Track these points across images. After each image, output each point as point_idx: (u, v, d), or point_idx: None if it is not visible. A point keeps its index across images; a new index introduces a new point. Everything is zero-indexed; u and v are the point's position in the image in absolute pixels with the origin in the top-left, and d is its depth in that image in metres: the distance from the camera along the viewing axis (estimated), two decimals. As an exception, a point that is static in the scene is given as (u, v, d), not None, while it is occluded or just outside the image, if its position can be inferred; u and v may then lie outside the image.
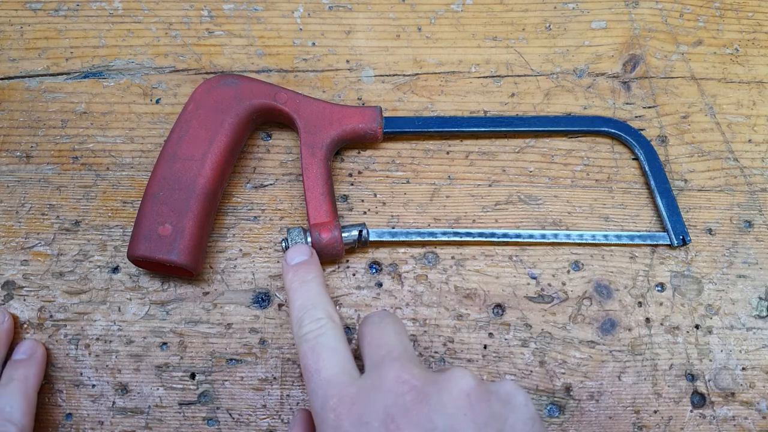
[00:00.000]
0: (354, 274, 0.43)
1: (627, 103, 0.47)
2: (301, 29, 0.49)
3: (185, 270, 0.41)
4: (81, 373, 0.41)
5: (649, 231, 0.44)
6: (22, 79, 0.47)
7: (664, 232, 0.43)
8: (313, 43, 0.48)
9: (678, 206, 0.44)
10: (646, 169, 0.44)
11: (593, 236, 0.43)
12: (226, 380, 0.41)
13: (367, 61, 0.48)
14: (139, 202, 0.44)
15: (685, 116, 0.47)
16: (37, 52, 0.48)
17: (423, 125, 0.44)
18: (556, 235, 0.43)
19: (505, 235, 0.43)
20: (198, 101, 0.42)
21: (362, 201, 0.44)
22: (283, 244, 0.40)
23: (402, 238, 0.42)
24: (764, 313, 0.43)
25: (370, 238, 0.42)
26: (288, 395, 0.41)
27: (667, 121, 0.47)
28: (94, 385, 0.41)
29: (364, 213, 0.44)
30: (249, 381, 0.41)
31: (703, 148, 0.46)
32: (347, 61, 0.48)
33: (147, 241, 0.39)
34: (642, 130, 0.47)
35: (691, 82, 0.48)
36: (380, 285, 0.43)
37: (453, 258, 0.43)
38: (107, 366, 0.41)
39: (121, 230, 0.44)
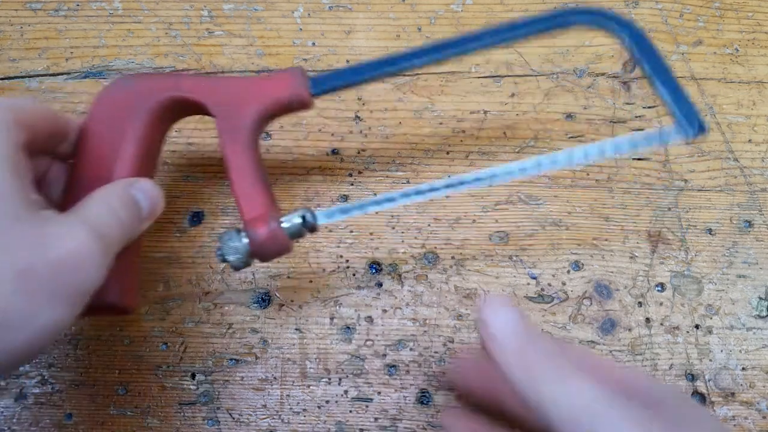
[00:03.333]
0: (354, 274, 0.43)
1: (627, 103, 0.47)
2: (301, 29, 0.49)
3: (121, 310, 0.35)
4: (81, 373, 0.41)
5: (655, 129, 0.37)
6: (22, 79, 0.47)
7: (674, 125, 0.35)
8: (313, 43, 0.48)
9: (682, 89, 0.35)
10: (637, 54, 0.36)
11: (585, 154, 0.35)
12: (227, 380, 0.41)
13: (367, 61, 0.48)
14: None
15: (685, 116, 0.47)
16: (37, 52, 0.48)
17: (356, 74, 0.37)
18: (553, 162, 0.35)
19: (477, 180, 0.36)
20: (93, 116, 0.36)
21: (320, 223, 0.44)
22: (218, 255, 0.35)
23: (356, 213, 0.37)
24: (764, 313, 0.43)
25: (319, 221, 0.36)
26: (288, 395, 0.41)
27: (667, 121, 0.47)
28: (94, 385, 0.41)
29: (364, 213, 0.44)
30: (249, 381, 0.41)
31: (703, 148, 0.46)
32: (347, 61, 0.48)
33: None
34: (642, 130, 0.47)
35: (691, 82, 0.48)
36: (380, 285, 0.43)
37: (453, 258, 0.43)
38: (107, 366, 0.41)
39: (121, 230, 0.44)
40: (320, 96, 0.37)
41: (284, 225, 0.34)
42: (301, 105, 0.37)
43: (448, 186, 0.36)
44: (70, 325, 0.29)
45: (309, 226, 0.35)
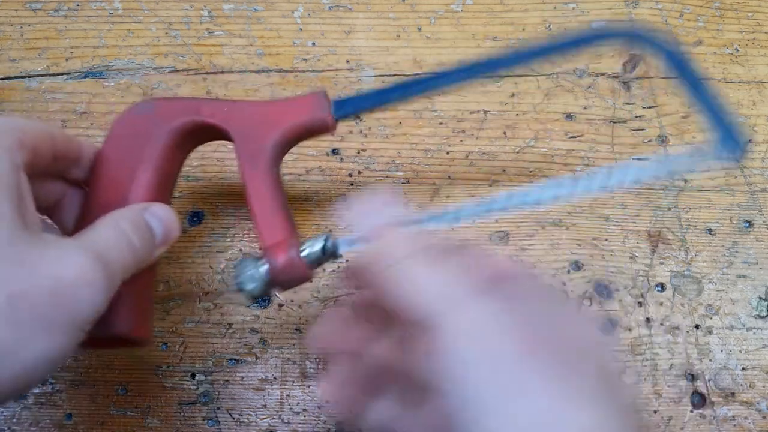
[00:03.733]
0: (354, 274, 0.43)
1: (627, 103, 0.47)
2: (301, 29, 0.49)
3: (134, 341, 0.34)
4: (81, 374, 0.41)
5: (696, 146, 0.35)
6: (22, 79, 0.47)
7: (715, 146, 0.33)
8: (313, 43, 0.48)
9: (722, 107, 0.33)
10: (675, 72, 0.34)
11: (624, 177, 0.31)
12: (227, 380, 0.41)
13: (367, 61, 0.48)
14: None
15: (685, 116, 0.47)
16: (37, 52, 0.48)
17: (380, 97, 0.36)
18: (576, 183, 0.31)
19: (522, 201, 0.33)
20: (111, 140, 0.35)
21: (340, 251, 0.44)
22: (236, 282, 0.33)
23: (374, 242, 0.33)
24: (764, 313, 0.43)
25: (340, 250, 0.33)
26: (288, 395, 0.41)
27: (667, 121, 0.47)
28: (94, 385, 0.41)
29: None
30: (249, 381, 0.41)
31: (704, 148, 0.46)
32: (347, 61, 0.48)
33: None
34: (641, 130, 0.47)
35: (691, 82, 0.48)
36: (380, 285, 0.43)
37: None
38: (107, 366, 0.41)
39: (121, 230, 0.44)
40: (343, 120, 0.36)
41: (304, 253, 0.33)
42: (324, 129, 0.36)
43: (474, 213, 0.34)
44: (68, 357, 0.27)
45: (329, 254, 0.33)
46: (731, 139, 0.32)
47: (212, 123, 0.36)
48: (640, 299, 0.43)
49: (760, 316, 0.43)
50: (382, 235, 0.29)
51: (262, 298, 0.42)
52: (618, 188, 0.33)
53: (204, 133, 0.37)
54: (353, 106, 0.36)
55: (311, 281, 0.34)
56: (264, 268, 0.32)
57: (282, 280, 0.33)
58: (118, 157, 0.35)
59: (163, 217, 0.32)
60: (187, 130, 0.36)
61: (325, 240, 0.33)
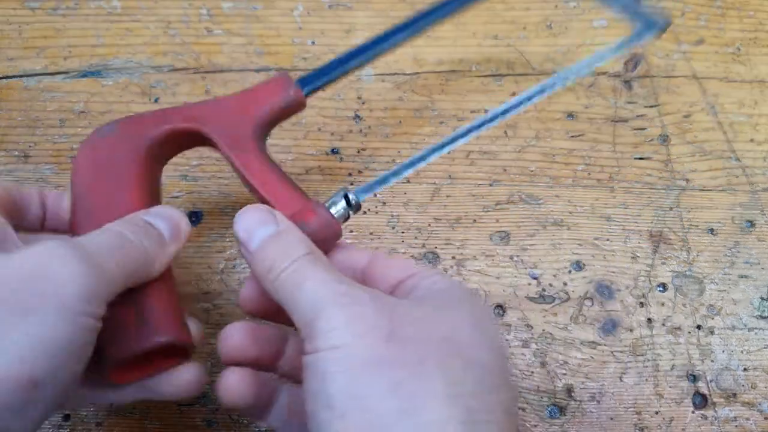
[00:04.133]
0: (354, 275, 0.43)
1: (629, 102, 0.47)
2: (300, 28, 0.48)
3: (175, 350, 0.32)
4: (79, 374, 0.41)
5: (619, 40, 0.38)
6: (20, 78, 0.47)
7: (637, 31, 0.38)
8: (313, 42, 0.48)
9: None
10: None
11: (566, 77, 0.39)
12: (226, 381, 0.41)
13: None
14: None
15: (686, 115, 0.47)
16: (36, 51, 0.48)
17: (344, 63, 0.38)
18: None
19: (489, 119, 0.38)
20: (82, 169, 0.34)
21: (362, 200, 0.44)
22: None
23: (393, 179, 0.36)
24: (766, 314, 0.43)
25: (361, 197, 0.34)
26: (287, 396, 0.41)
27: (669, 121, 0.47)
28: (92, 386, 0.41)
29: (364, 213, 0.44)
30: (248, 382, 0.41)
31: (705, 147, 0.46)
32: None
33: (116, 343, 0.30)
34: (643, 129, 0.46)
35: (693, 81, 0.48)
36: (380, 285, 0.43)
37: (453, 258, 0.43)
38: (106, 367, 0.41)
39: (120, 230, 0.43)
40: (312, 94, 0.37)
41: (332, 209, 0.33)
42: (297, 105, 0.37)
43: (472, 129, 0.37)
44: (77, 344, 0.26)
45: (354, 206, 0.34)
46: (650, 18, 0.38)
47: (186, 128, 0.35)
48: (642, 299, 0.42)
49: (761, 317, 0.43)
50: (267, 245, 0.29)
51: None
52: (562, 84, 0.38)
53: (180, 140, 0.36)
54: (316, 80, 0.37)
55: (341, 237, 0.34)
56: None
57: (318, 241, 0.31)
58: (94, 187, 0.33)
59: (166, 215, 0.32)
60: (159, 142, 0.35)
61: (345, 193, 0.33)
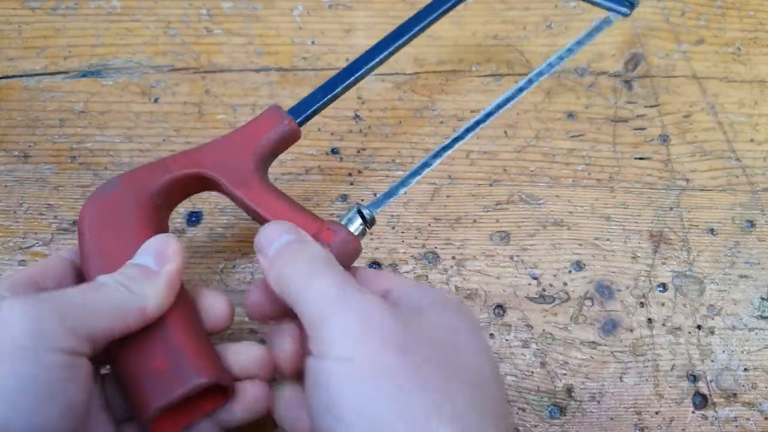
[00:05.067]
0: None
1: (629, 102, 0.47)
2: (300, 28, 0.48)
3: (217, 391, 0.31)
4: (79, 374, 0.41)
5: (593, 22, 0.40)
6: (20, 78, 0.47)
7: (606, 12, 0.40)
8: (313, 42, 0.48)
9: None
10: None
11: (549, 65, 0.40)
12: (225, 381, 0.41)
13: (367, 60, 0.48)
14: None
15: (687, 115, 0.47)
16: (35, 51, 0.48)
17: (330, 90, 0.39)
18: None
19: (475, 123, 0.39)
20: (88, 222, 0.34)
21: (362, 200, 0.44)
22: None
23: (401, 190, 0.37)
24: (766, 314, 0.43)
25: (375, 212, 0.35)
26: (287, 396, 0.41)
27: (669, 120, 0.47)
28: (92, 386, 0.41)
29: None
30: (248, 382, 0.41)
31: (705, 147, 0.46)
32: (347, 60, 0.47)
33: (153, 391, 0.29)
34: (643, 129, 0.46)
35: (693, 81, 0.48)
36: (380, 285, 0.43)
37: (453, 258, 0.43)
38: (106, 366, 0.41)
39: (120, 230, 0.43)
40: (305, 122, 0.38)
41: (351, 228, 0.34)
42: (293, 135, 0.37)
43: (478, 123, 0.38)
44: (57, 384, 0.27)
45: (369, 222, 0.35)
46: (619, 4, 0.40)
47: (188, 173, 0.35)
48: (642, 300, 0.42)
49: (762, 317, 0.43)
50: (286, 249, 0.30)
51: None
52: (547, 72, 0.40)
53: (182, 187, 0.36)
54: (307, 108, 0.38)
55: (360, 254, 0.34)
56: None
57: (339, 259, 0.32)
58: (99, 240, 0.33)
59: (147, 246, 0.32)
60: (162, 191, 0.35)
61: (359, 210, 0.34)
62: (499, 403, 0.27)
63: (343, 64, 0.47)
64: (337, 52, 0.48)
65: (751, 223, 0.44)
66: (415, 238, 0.44)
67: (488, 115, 0.39)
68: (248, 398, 0.32)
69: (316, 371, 0.26)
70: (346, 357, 0.26)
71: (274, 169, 0.45)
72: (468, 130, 0.38)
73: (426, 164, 0.37)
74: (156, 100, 0.46)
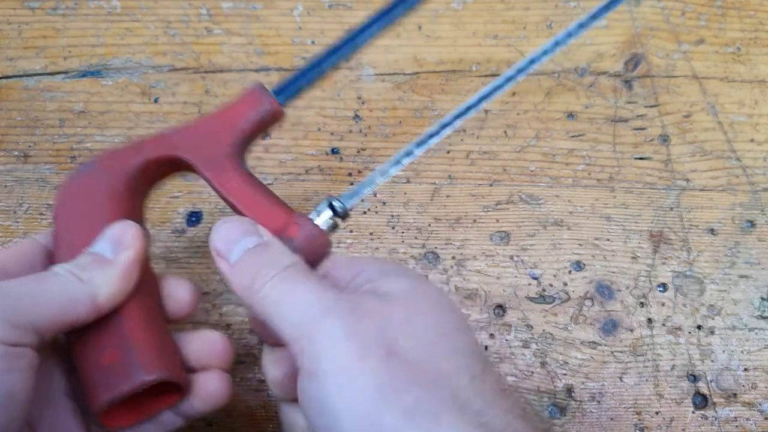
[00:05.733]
0: (354, 275, 0.43)
1: (629, 102, 0.47)
2: (300, 28, 0.48)
3: (173, 385, 0.30)
4: (79, 374, 0.41)
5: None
6: (20, 78, 0.47)
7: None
8: (313, 42, 0.48)
9: None
10: None
11: (555, 43, 0.38)
12: (225, 381, 0.41)
13: (367, 60, 0.48)
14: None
15: (687, 115, 0.47)
16: (35, 51, 0.48)
17: (312, 71, 0.37)
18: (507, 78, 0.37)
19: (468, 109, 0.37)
20: (63, 204, 0.33)
21: (362, 200, 0.44)
22: None
23: (380, 180, 0.35)
24: (766, 314, 0.43)
25: (348, 205, 0.33)
26: (287, 396, 0.41)
27: (669, 120, 0.47)
28: (92, 386, 0.41)
29: (364, 213, 0.44)
30: (248, 382, 0.41)
31: (705, 147, 0.46)
32: (347, 60, 0.47)
33: (101, 385, 0.28)
34: (643, 129, 0.46)
35: (693, 81, 0.48)
36: (380, 285, 0.43)
37: (453, 258, 0.43)
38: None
39: (120, 230, 0.43)
40: (288, 103, 0.36)
41: (317, 221, 0.32)
42: (275, 117, 0.36)
43: (458, 116, 0.36)
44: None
45: (341, 214, 0.33)
46: None
47: (163, 156, 0.34)
48: (642, 300, 0.42)
49: (762, 317, 0.43)
50: (249, 257, 0.28)
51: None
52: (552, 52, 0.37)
53: (157, 169, 0.35)
54: (292, 88, 0.36)
55: (331, 249, 0.33)
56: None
57: (305, 255, 0.31)
58: (73, 222, 0.32)
59: (106, 234, 0.30)
60: (138, 173, 0.34)
61: (330, 202, 0.33)
62: (493, 374, 0.26)
63: (343, 64, 0.47)
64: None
65: (751, 223, 0.44)
66: (415, 238, 0.44)
67: (483, 98, 0.37)
68: (206, 391, 0.31)
69: (311, 390, 0.25)
70: (338, 370, 0.25)
71: (275, 169, 0.45)
72: (459, 116, 0.37)
73: (408, 153, 0.35)
74: (156, 100, 0.46)
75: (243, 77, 0.47)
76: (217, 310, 0.42)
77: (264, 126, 0.36)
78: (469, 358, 0.26)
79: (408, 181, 0.45)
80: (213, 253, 0.29)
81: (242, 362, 0.41)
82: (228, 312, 0.42)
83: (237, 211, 0.33)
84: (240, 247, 0.28)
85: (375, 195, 0.44)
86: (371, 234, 0.44)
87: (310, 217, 0.32)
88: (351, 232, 0.44)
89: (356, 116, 0.46)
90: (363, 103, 0.47)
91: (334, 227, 0.33)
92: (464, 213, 0.44)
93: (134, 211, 0.34)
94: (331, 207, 0.32)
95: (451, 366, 0.25)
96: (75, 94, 0.47)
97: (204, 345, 0.31)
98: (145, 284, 0.31)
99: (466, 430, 0.23)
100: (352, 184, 0.45)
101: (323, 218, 0.32)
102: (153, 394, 0.30)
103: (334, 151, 0.46)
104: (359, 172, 0.45)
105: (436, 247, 0.43)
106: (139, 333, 0.29)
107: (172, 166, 0.35)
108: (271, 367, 0.31)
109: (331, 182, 0.45)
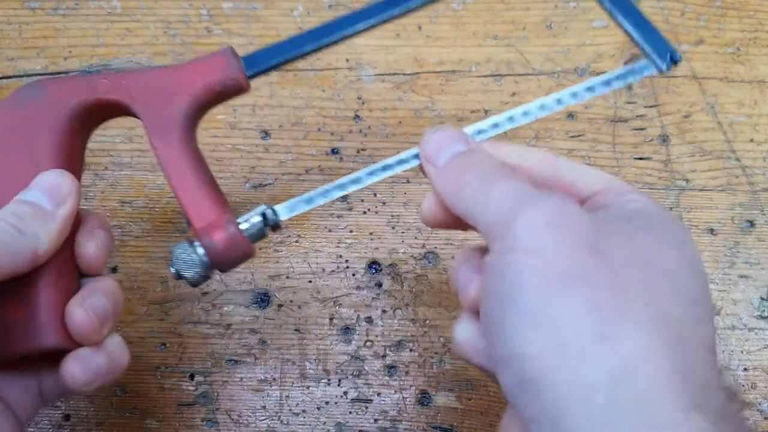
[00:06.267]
0: (354, 275, 0.43)
1: (628, 102, 0.47)
2: (300, 28, 0.48)
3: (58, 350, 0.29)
4: (79, 374, 0.41)
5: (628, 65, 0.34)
6: (20, 78, 0.47)
7: (644, 59, 0.33)
8: (313, 42, 0.48)
9: (648, 20, 0.33)
10: None
11: (559, 101, 0.33)
12: (225, 381, 0.41)
13: (367, 60, 0.48)
14: (139, 201, 0.44)
15: (686, 116, 0.47)
16: (36, 51, 0.48)
17: (294, 46, 0.33)
18: (511, 119, 0.32)
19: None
20: None
21: (362, 201, 0.44)
22: (173, 270, 0.31)
23: (321, 201, 0.32)
24: (766, 314, 0.43)
25: (281, 217, 0.32)
26: (287, 396, 0.41)
27: (669, 121, 0.47)
28: (92, 386, 0.41)
29: (364, 213, 0.44)
30: (248, 382, 0.41)
31: (705, 147, 0.46)
32: (347, 60, 0.48)
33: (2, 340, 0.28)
34: (643, 129, 0.46)
35: (693, 81, 0.48)
36: (380, 285, 0.43)
37: (453, 258, 0.43)
38: (106, 367, 0.41)
39: (120, 230, 0.43)
40: (256, 77, 0.33)
41: (243, 227, 0.31)
42: (237, 89, 0.33)
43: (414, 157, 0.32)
44: None
45: (271, 224, 0.32)
46: (662, 51, 0.33)
47: (112, 99, 0.32)
48: (642, 299, 0.42)
49: (761, 317, 0.43)
50: (457, 159, 0.29)
51: (261, 298, 0.42)
52: (553, 109, 0.33)
53: (104, 111, 0.33)
54: (266, 60, 0.33)
55: (254, 257, 0.32)
56: (201, 251, 0.30)
57: (223, 261, 0.30)
58: (7, 156, 0.30)
59: (40, 183, 0.29)
60: (85, 110, 0.32)
61: (264, 209, 0.31)
62: (708, 328, 0.24)
63: (343, 64, 0.48)
64: (337, 53, 0.48)
65: (751, 223, 0.45)
66: (415, 238, 0.44)
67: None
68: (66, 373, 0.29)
69: (498, 266, 0.25)
70: (532, 249, 0.24)
71: (275, 169, 0.45)
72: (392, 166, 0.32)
73: (356, 180, 0.32)
74: (156, 100, 0.46)
75: (243, 77, 0.47)
76: (217, 311, 0.42)
77: (223, 96, 0.33)
78: (698, 306, 0.24)
79: (408, 181, 0.45)
80: (422, 158, 0.30)
81: (242, 362, 0.41)
82: (228, 312, 0.42)
83: (171, 188, 0.31)
84: (448, 152, 0.29)
85: (375, 195, 0.44)
86: (371, 234, 0.44)
87: (239, 221, 0.31)
88: (351, 232, 0.44)
89: (356, 116, 0.46)
90: (363, 103, 0.47)
91: (261, 236, 0.31)
92: (464, 213, 0.44)
93: (76, 154, 0.32)
94: (263, 216, 0.31)
95: (664, 297, 0.23)
96: (75, 94, 0.47)
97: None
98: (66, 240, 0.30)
99: (654, 352, 0.22)
100: (352, 184, 0.45)
101: (250, 225, 0.31)
102: (50, 358, 0.29)
103: (334, 151, 0.46)
104: (359, 172, 0.45)
105: (436, 247, 0.43)
106: (49, 296, 0.28)
107: (119, 111, 0.33)
108: (462, 329, 0.29)
109: (331, 182, 0.45)
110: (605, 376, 0.22)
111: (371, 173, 0.32)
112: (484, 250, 0.29)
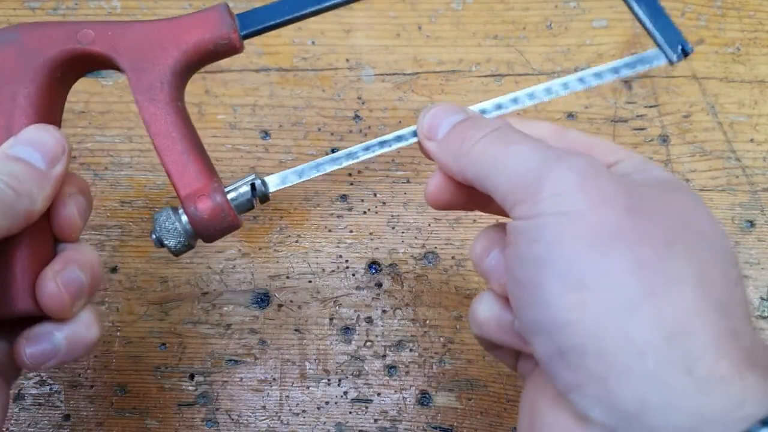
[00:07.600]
0: (353, 275, 0.43)
1: (628, 102, 0.47)
2: (300, 28, 0.48)
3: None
4: (79, 374, 0.41)
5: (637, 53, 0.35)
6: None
7: (656, 49, 0.33)
8: (313, 42, 0.48)
9: (663, 10, 0.33)
10: None
11: (565, 85, 0.32)
12: (225, 381, 0.41)
13: (367, 60, 0.48)
14: (139, 201, 0.44)
15: (686, 116, 0.47)
16: (35, 51, 0.48)
17: (294, 6, 0.32)
18: (515, 100, 0.31)
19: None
20: None
21: (362, 201, 0.44)
22: (153, 237, 0.30)
23: (313, 173, 0.32)
24: (766, 314, 0.43)
25: (271, 189, 0.31)
26: (287, 396, 0.41)
27: (669, 121, 0.47)
28: (92, 386, 0.41)
29: (364, 213, 0.44)
30: (248, 382, 0.41)
31: (705, 147, 0.46)
32: (347, 60, 0.48)
33: None
34: (643, 129, 0.46)
35: (693, 81, 0.48)
36: (380, 285, 0.43)
37: (453, 258, 0.43)
38: (106, 367, 0.41)
39: (120, 230, 0.43)
40: (251, 37, 0.31)
41: (231, 196, 0.30)
42: (230, 49, 0.31)
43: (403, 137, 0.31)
44: None
45: (260, 195, 0.31)
46: (673, 42, 0.32)
47: (95, 51, 0.30)
48: (642, 299, 0.42)
49: (762, 317, 0.43)
50: (458, 126, 0.28)
51: (261, 298, 0.42)
52: (560, 94, 0.33)
53: (87, 63, 0.31)
54: (261, 19, 0.31)
55: (240, 227, 0.31)
56: (185, 219, 0.29)
57: (208, 231, 0.29)
58: None
59: (32, 140, 0.28)
60: (66, 60, 0.30)
61: (253, 179, 0.30)
62: (742, 293, 0.23)
63: (344, 64, 0.48)
64: (337, 52, 0.48)
65: (751, 223, 0.44)
66: (415, 238, 0.44)
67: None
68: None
69: (527, 230, 0.24)
70: (566, 210, 0.23)
71: (274, 169, 0.45)
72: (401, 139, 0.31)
73: (351, 154, 0.32)
74: (156, 100, 0.46)
75: (243, 77, 0.47)
76: (217, 311, 0.42)
77: (215, 56, 0.31)
78: (734, 268, 0.24)
79: (408, 181, 0.45)
80: (421, 136, 0.29)
81: (242, 362, 0.41)
82: (228, 312, 0.42)
83: (156, 152, 0.30)
84: (448, 123, 0.28)
85: (375, 195, 0.44)
86: (371, 234, 0.44)
87: (227, 190, 0.30)
88: (351, 232, 0.44)
89: (356, 116, 0.46)
90: (363, 103, 0.47)
91: (249, 207, 0.30)
92: (464, 213, 0.44)
93: (53, 106, 0.30)
94: (252, 186, 0.30)
95: (705, 259, 0.23)
96: (75, 94, 0.46)
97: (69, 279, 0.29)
98: None
99: (703, 310, 0.21)
100: (352, 184, 0.45)
101: (238, 194, 0.30)
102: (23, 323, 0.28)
103: (334, 152, 0.46)
104: (359, 172, 0.45)
105: (436, 247, 0.43)
106: (24, 260, 0.27)
107: (106, 64, 0.31)
108: (485, 306, 0.28)
109: (331, 182, 0.45)
110: (657, 335, 0.21)
111: (367, 148, 0.31)
112: (498, 226, 0.28)
